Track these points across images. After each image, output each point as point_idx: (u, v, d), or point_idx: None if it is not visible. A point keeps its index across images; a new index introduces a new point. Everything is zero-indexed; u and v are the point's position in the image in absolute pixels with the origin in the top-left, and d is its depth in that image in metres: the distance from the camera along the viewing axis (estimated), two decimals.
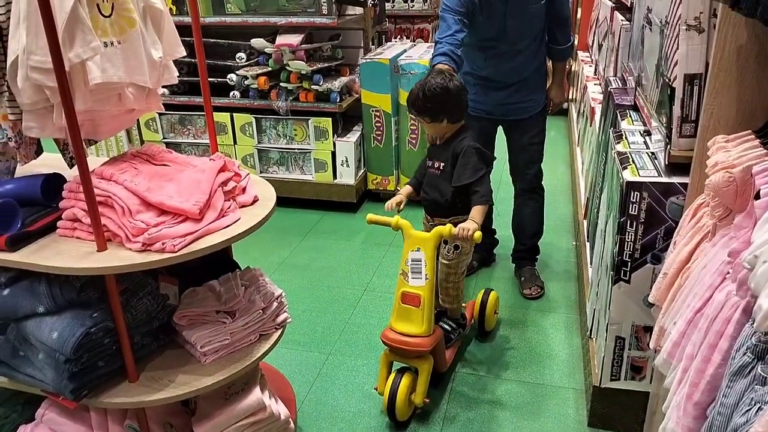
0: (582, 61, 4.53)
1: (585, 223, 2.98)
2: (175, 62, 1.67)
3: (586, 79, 3.92)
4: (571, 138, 4.63)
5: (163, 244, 1.36)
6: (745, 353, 1.03)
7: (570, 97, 5.36)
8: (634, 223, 1.70)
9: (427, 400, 2.04)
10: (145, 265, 1.35)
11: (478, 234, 1.96)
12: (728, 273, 1.22)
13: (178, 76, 1.68)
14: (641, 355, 1.86)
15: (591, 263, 2.61)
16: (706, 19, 1.52)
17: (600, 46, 3.76)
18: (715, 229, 1.38)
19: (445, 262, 2.18)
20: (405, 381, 1.99)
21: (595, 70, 3.98)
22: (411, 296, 1.98)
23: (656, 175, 1.68)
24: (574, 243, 3.21)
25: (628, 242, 1.72)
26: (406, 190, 2.25)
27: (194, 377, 1.54)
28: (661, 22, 1.73)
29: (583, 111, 3.84)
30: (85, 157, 1.31)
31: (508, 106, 2.67)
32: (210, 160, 1.61)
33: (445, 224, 2.02)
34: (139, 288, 1.52)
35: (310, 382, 2.25)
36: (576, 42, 5.12)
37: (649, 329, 1.83)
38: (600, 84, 3.58)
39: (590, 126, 3.36)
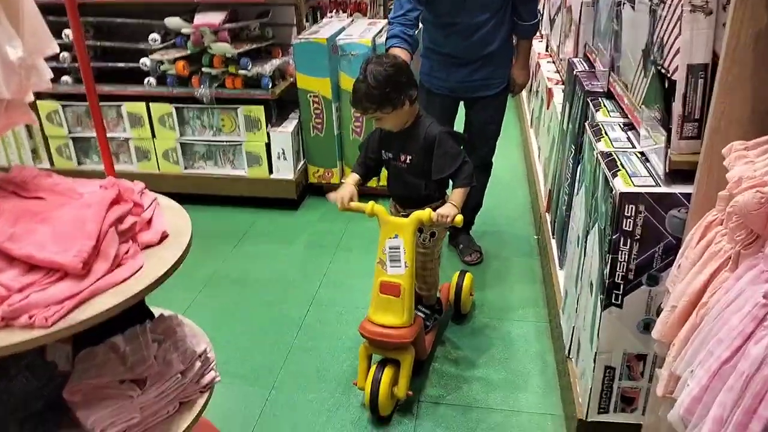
0: None
1: (548, 216, 2.74)
2: None
3: (537, 56, 3.67)
4: (522, 118, 4.40)
5: (30, 317, 0.99)
6: None
7: None
8: (629, 241, 1.44)
9: (410, 393, 1.95)
10: (5, 349, 0.97)
11: (459, 218, 1.87)
12: (765, 318, 0.97)
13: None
14: (633, 386, 1.63)
15: (559, 264, 2.38)
16: None
17: (552, 21, 3.51)
18: (738, 258, 1.13)
19: (422, 250, 2.05)
20: (387, 374, 1.90)
21: (547, 46, 3.74)
22: (390, 285, 1.88)
23: (653, 184, 1.42)
24: (536, 237, 2.98)
25: (621, 262, 1.47)
26: (352, 179, 2.01)
27: None
28: (651, 1, 1.46)
29: (537, 91, 3.59)
30: None
31: (472, 83, 2.53)
32: (101, 188, 1.23)
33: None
34: (10, 364, 1.15)
35: (249, 427, 1.92)
36: None
37: (642, 357, 1.59)
38: (554, 62, 3.33)
39: (547, 109, 3.12)
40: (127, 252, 1.16)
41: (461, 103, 2.65)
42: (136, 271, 1.14)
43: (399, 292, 1.86)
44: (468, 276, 2.41)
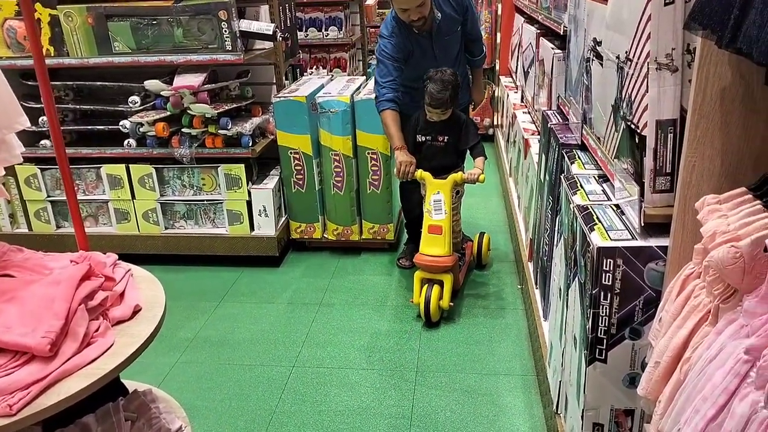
0: (506, 87, 4.37)
1: (531, 266, 2.74)
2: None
3: (513, 107, 3.74)
4: (501, 166, 4.45)
5: None
6: None
7: (495, 122, 5.22)
8: (609, 295, 1.44)
9: (452, 304, 2.69)
10: None
11: (482, 176, 2.67)
12: (748, 374, 0.96)
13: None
14: None
15: (543, 315, 2.36)
16: (679, 56, 1.29)
17: (526, 73, 3.59)
18: (718, 312, 1.12)
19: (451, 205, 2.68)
20: (435, 291, 2.63)
21: (522, 97, 3.82)
22: (435, 227, 2.63)
23: (629, 237, 1.43)
24: (519, 286, 2.97)
25: (602, 317, 1.46)
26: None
27: None
28: (618, 58, 1.49)
29: (515, 141, 3.65)
30: None
31: None
32: (71, 262, 1.20)
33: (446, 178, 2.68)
34: None
35: None
36: (497, 67, 5.00)
37: (630, 412, 1.56)
38: (530, 113, 3.40)
39: (524, 159, 3.16)
40: (97, 329, 1.13)
41: None
42: (107, 350, 1.10)
43: (441, 231, 2.60)
44: (486, 236, 3.19)
